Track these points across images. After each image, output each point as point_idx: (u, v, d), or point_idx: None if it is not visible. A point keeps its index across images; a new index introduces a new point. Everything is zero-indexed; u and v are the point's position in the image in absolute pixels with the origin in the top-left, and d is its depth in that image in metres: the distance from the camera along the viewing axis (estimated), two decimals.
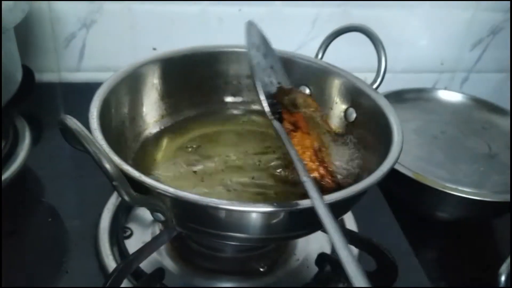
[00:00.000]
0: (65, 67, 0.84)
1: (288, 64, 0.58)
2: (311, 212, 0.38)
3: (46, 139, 0.70)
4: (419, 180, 0.67)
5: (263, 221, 0.39)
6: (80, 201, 0.60)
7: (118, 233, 0.53)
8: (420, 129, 0.81)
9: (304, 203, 0.37)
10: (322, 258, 0.50)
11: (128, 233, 0.55)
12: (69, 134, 0.37)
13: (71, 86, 0.84)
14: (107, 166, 0.35)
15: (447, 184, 0.67)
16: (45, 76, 0.84)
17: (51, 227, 0.56)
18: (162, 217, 0.40)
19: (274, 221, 0.39)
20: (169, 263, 0.51)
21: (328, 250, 0.53)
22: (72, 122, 0.36)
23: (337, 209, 0.42)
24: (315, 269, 0.51)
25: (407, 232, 0.60)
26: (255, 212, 0.37)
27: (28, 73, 0.73)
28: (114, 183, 0.35)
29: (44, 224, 0.56)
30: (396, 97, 0.84)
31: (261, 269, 0.52)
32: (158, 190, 0.37)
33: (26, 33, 0.79)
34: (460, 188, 0.66)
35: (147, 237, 0.54)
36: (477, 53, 0.93)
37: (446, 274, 0.64)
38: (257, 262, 0.52)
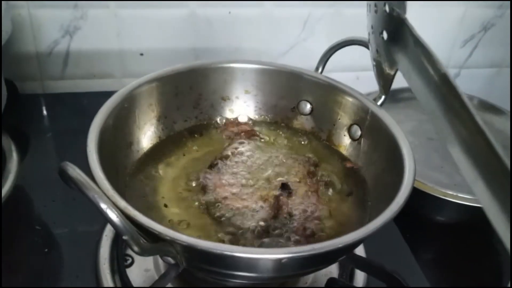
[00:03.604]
0: (48, 75, 0.81)
1: (289, 79, 0.57)
2: (324, 253, 0.37)
3: (33, 155, 0.67)
4: (418, 187, 0.67)
5: (277, 264, 0.37)
6: (76, 226, 0.58)
7: (119, 263, 0.51)
8: (415, 130, 0.80)
9: (319, 246, 0.36)
10: (331, 283, 0.49)
11: (129, 261, 0.53)
12: (71, 182, 0.34)
13: (55, 96, 0.80)
14: (117, 220, 0.33)
15: (447, 191, 0.66)
16: (28, 85, 0.80)
17: (48, 257, 0.54)
18: (172, 261, 0.38)
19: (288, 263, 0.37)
20: None
21: (335, 274, 0.52)
22: (75, 172, 0.33)
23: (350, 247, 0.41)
24: None
25: (407, 237, 0.60)
26: (272, 259, 0.36)
27: (11, 87, 0.70)
28: (124, 237, 0.33)
29: (40, 255, 0.54)
30: (390, 97, 0.82)
31: None
32: (169, 238, 0.35)
33: (7, 42, 0.75)
34: (460, 195, 0.66)
35: (149, 265, 0.52)
36: (468, 50, 0.92)
37: (448, 277, 0.64)
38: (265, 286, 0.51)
